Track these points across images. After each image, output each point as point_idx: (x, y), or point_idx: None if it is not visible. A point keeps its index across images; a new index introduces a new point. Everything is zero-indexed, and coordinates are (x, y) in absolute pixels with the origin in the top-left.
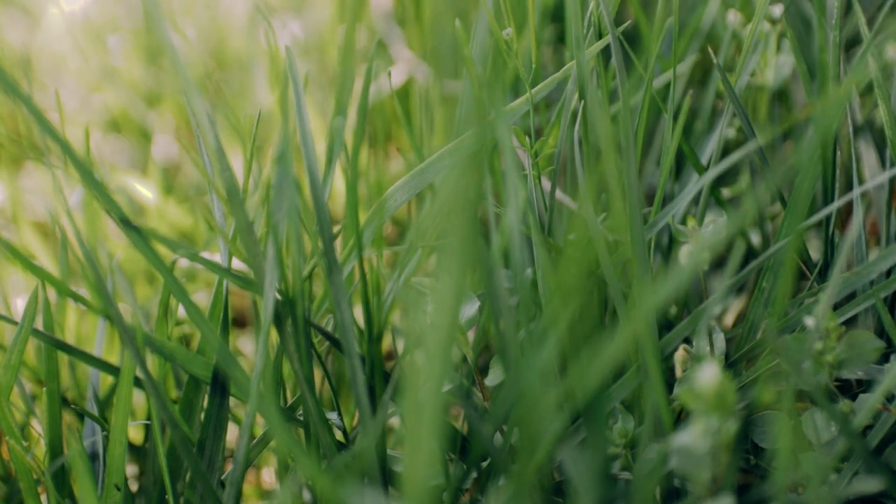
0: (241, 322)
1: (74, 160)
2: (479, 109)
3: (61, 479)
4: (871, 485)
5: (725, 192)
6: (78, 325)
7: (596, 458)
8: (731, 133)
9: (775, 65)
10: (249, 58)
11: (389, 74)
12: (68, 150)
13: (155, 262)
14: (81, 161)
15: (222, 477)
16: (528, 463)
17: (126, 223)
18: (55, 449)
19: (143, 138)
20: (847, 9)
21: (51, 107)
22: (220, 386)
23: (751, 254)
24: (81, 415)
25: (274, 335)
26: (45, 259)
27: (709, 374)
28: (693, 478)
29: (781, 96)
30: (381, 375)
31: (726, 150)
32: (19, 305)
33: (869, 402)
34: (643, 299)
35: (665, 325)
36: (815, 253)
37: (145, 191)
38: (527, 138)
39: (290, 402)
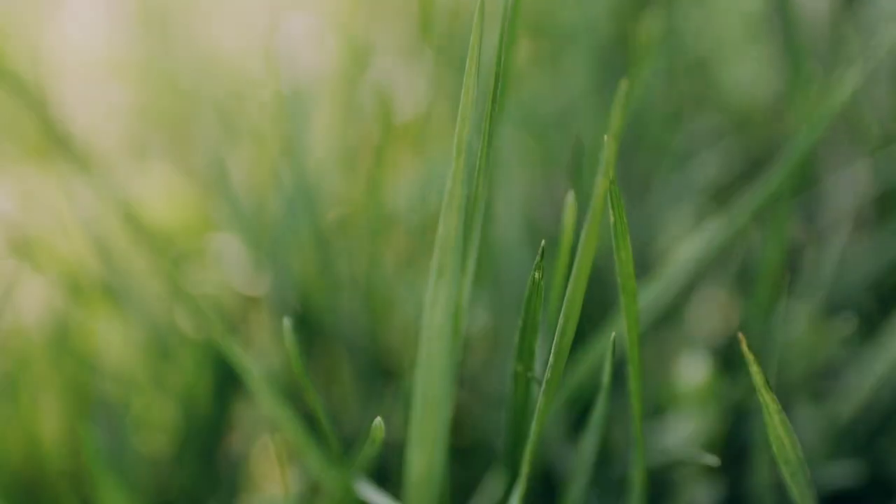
0: (244, 319)
1: (82, 160)
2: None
3: (78, 480)
4: (856, 477)
5: (720, 194)
6: (90, 324)
7: (591, 455)
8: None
9: (770, 68)
10: (252, 58)
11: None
12: (75, 150)
13: (162, 261)
14: (88, 161)
15: (228, 472)
16: (527, 460)
17: (134, 223)
18: (71, 449)
19: (149, 139)
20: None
21: (55, 103)
22: (226, 382)
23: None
24: (95, 414)
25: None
26: (56, 259)
27: (697, 371)
28: (680, 472)
29: (776, 99)
30: (384, 373)
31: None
32: (29, 305)
33: (854, 397)
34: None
35: (658, 323)
36: (801, 252)
37: (151, 191)
38: (526, 139)
39: (294, 398)
